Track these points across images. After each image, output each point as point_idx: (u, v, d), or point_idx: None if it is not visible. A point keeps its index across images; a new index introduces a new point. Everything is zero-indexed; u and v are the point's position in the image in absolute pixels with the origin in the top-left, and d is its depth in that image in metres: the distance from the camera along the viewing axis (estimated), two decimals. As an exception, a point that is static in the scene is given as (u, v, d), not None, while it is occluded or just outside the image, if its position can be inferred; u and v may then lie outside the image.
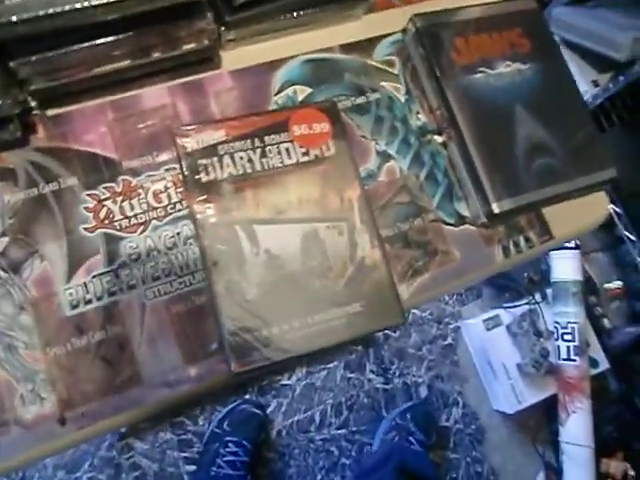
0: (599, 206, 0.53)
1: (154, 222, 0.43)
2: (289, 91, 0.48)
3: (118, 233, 0.42)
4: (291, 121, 0.45)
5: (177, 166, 0.44)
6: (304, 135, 0.45)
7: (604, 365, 1.22)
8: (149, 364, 0.40)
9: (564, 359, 1.13)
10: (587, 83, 1.08)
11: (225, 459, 0.99)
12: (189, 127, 0.43)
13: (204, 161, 0.43)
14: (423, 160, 0.49)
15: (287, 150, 0.44)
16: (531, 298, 1.21)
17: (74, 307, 0.40)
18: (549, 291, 1.21)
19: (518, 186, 0.47)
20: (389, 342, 1.23)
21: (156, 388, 0.40)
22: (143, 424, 1.07)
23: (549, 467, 1.20)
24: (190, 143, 0.43)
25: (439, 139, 0.50)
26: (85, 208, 0.42)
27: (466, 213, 0.48)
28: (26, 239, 0.41)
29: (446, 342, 1.26)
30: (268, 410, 1.13)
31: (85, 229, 0.42)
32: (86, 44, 0.38)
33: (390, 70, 0.51)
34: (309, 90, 0.49)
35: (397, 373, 1.22)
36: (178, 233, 0.43)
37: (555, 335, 1.15)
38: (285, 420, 1.14)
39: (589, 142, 0.50)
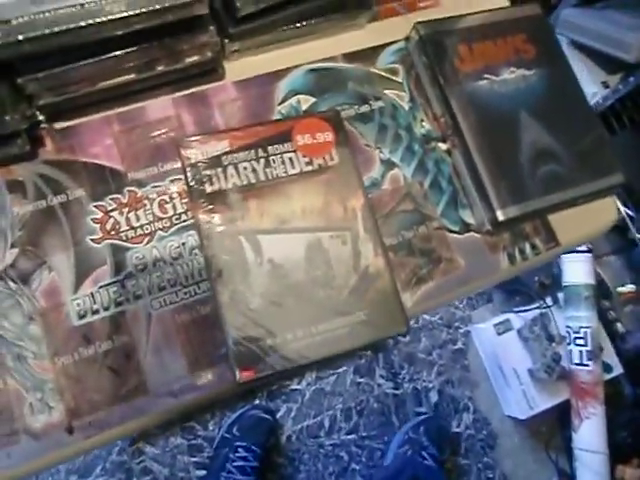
0: (607, 211, 0.52)
1: (160, 233, 0.43)
2: (293, 101, 0.49)
3: (124, 244, 0.43)
4: (294, 131, 0.45)
5: (182, 177, 0.44)
6: (307, 145, 0.45)
7: (618, 370, 1.20)
8: (155, 373, 0.41)
9: (577, 364, 1.12)
10: (597, 84, 1.07)
11: (235, 464, 1.00)
12: (193, 138, 0.44)
13: (208, 172, 0.43)
14: (427, 168, 0.49)
15: (291, 160, 0.45)
16: (542, 302, 1.19)
17: (81, 317, 0.41)
18: (560, 295, 1.19)
19: (523, 193, 0.46)
20: (399, 347, 1.23)
21: (162, 397, 0.41)
22: (154, 429, 1.08)
23: (562, 474, 1.19)
24: (194, 154, 0.43)
25: (443, 146, 0.50)
26: (92, 219, 0.43)
27: (471, 220, 0.48)
28: (35, 250, 0.42)
29: (456, 347, 1.25)
30: (278, 415, 1.13)
31: (92, 240, 0.43)
32: (91, 60, 0.38)
33: (394, 78, 0.51)
34: (313, 99, 0.49)
35: (407, 378, 1.21)
36: (183, 243, 0.44)
37: (567, 340, 1.14)
38: (295, 425, 1.14)
39: (596, 147, 0.49)
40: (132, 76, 0.42)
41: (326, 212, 0.44)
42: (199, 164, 0.43)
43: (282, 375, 0.41)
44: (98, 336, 0.41)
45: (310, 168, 0.45)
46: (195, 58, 0.42)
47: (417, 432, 1.08)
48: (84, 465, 1.04)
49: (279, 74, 0.49)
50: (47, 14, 0.32)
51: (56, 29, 0.32)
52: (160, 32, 0.38)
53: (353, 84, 0.50)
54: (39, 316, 0.41)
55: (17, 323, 0.40)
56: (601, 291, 1.23)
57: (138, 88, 0.44)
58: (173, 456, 1.09)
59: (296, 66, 0.49)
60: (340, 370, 1.19)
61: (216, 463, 1.02)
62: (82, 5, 0.33)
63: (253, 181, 0.44)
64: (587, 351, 1.11)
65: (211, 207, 0.42)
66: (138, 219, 0.44)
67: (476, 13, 0.51)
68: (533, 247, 0.49)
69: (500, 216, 0.45)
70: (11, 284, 0.41)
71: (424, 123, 0.50)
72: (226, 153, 0.44)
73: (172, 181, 0.45)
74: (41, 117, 0.41)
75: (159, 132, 0.46)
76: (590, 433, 1.09)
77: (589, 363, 1.10)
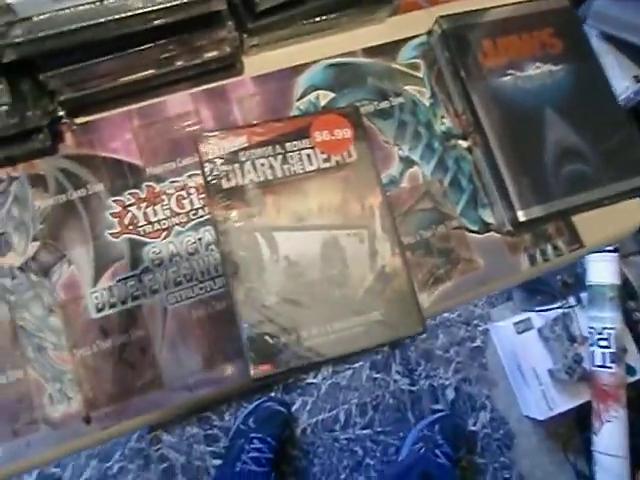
0: (635, 212, 0.51)
1: (177, 228, 0.44)
2: (312, 96, 0.48)
3: (142, 238, 0.43)
4: (313, 127, 0.45)
5: (200, 172, 0.44)
6: (326, 141, 0.45)
7: (642, 373, 1.17)
8: (170, 367, 0.41)
9: (599, 366, 1.09)
10: (629, 79, 1.03)
11: (250, 455, 1.01)
12: (211, 134, 0.44)
13: (226, 167, 0.43)
14: (447, 165, 0.48)
15: (308, 156, 0.44)
16: (565, 302, 1.17)
17: (99, 310, 0.42)
18: (584, 295, 1.16)
19: (546, 193, 0.45)
20: (416, 343, 1.22)
21: (176, 391, 0.41)
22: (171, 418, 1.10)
23: (581, 476, 1.17)
24: (212, 150, 0.43)
25: (464, 144, 0.49)
26: (111, 214, 0.43)
27: (491, 220, 0.47)
28: (55, 244, 0.42)
29: (474, 344, 1.24)
30: (293, 408, 1.14)
31: (111, 234, 0.43)
32: (112, 55, 0.38)
33: (415, 74, 0.50)
34: (332, 95, 0.48)
35: (423, 375, 1.20)
36: (200, 239, 0.44)
37: (590, 341, 1.11)
38: (310, 418, 1.15)
39: (624, 146, 0.47)
40: (151, 71, 0.42)
41: (343, 210, 0.44)
42: (216, 160, 0.43)
43: (296, 372, 0.41)
44: (115, 329, 0.41)
45: (328, 165, 0.44)
46: (214, 53, 0.42)
47: (432, 430, 1.08)
48: (104, 451, 1.07)
49: (298, 69, 0.48)
50: (67, 11, 0.32)
51: (76, 26, 0.33)
52: (179, 28, 0.38)
53: (373, 79, 0.49)
54: (59, 308, 0.41)
55: (38, 315, 0.41)
56: (627, 291, 1.20)
57: (157, 83, 0.44)
58: (189, 445, 1.10)
59: (315, 61, 0.49)
60: (356, 365, 1.19)
61: (231, 453, 1.04)
62: (102, 1, 0.33)
63: (270, 177, 0.43)
64: (610, 353, 1.08)
65: (228, 203, 0.42)
66: (156, 214, 0.44)
67: (501, 6, 0.50)
68: (555, 248, 0.48)
69: (521, 217, 0.44)
70: (32, 276, 0.42)
71: (445, 120, 0.49)
72: (244, 149, 0.44)
73: (190, 176, 0.45)
74: (62, 112, 0.41)
75: (178, 127, 0.46)
76: (611, 437, 1.06)
77: (612, 365, 1.08)
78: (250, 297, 0.41)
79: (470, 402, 1.20)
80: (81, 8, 0.33)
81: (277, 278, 0.42)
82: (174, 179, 0.45)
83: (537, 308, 1.20)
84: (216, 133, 0.44)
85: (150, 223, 0.44)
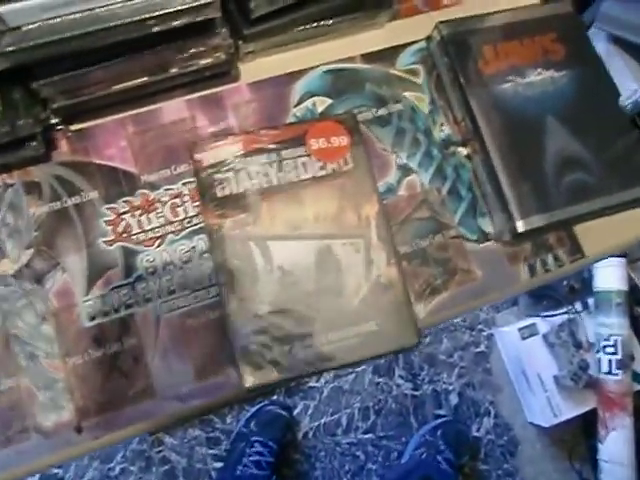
0: (638, 221, 0.49)
1: (171, 236, 0.43)
2: (309, 103, 0.47)
3: (136, 247, 0.43)
4: (309, 135, 0.44)
5: (194, 180, 0.44)
6: (322, 149, 0.44)
7: (649, 380, 1.15)
8: (162, 377, 0.41)
9: (605, 373, 1.08)
10: (638, 81, 1.01)
11: (251, 458, 1.01)
12: (206, 141, 0.43)
13: (220, 175, 0.43)
14: (446, 173, 0.47)
15: (304, 164, 0.44)
16: (571, 307, 1.15)
17: (92, 318, 0.41)
18: (591, 300, 1.15)
19: (546, 203, 0.44)
20: (419, 347, 1.21)
21: (168, 401, 0.41)
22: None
23: (586, 484, 1.15)
24: (206, 157, 0.43)
25: (463, 151, 0.48)
26: (105, 221, 0.43)
27: (490, 229, 0.46)
28: (49, 251, 0.42)
29: (479, 349, 1.23)
30: (295, 412, 1.13)
31: (104, 242, 0.43)
32: (104, 64, 0.38)
33: (414, 80, 0.49)
34: (329, 101, 0.48)
35: (427, 379, 1.19)
36: (194, 247, 0.43)
37: (596, 347, 1.10)
38: (312, 422, 1.14)
39: (627, 155, 0.46)
40: (145, 79, 0.42)
41: (339, 219, 0.43)
42: (211, 167, 0.43)
43: (289, 382, 0.41)
44: (108, 338, 0.41)
45: (324, 173, 0.44)
46: (208, 60, 0.42)
47: (434, 435, 1.07)
48: (105, 452, 1.07)
49: (295, 75, 0.48)
50: (57, 20, 0.32)
51: (67, 35, 0.32)
52: (172, 35, 0.38)
53: (371, 86, 0.48)
54: (52, 316, 0.41)
55: (30, 323, 0.41)
56: (634, 297, 1.18)
57: (152, 90, 0.43)
58: (191, 447, 1.10)
59: (313, 67, 0.48)
60: (359, 369, 1.18)
61: (233, 456, 1.03)
62: (91, 10, 0.32)
63: (265, 186, 0.43)
64: (617, 360, 1.07)
65: (222, 211, 0.42)
66: (150, 222, 0.44)
67: (502, 11, 0.49)
68: (556, 259, 0.47)
69: (520, 227, 0.43)
70: (26, 284, 0.42)
71: (444, 127, 0.48)
72: (239, 157, 0.43)
73: (184, 184, 0.45)
74: (55, 120, 0.41)
75: (173, 134, 0.45)
76: (617, 445, 1.05)
77: (618, 372, 1.06)
78: (243, 307, 0.41)
79: (474, 408, 1.19)
80: (71, 17, 0.32)
81: (271, 288, 0.41)
82: (169, 187, 0.44)
83: (543, 313, 1.18)
84: (211, 141, 0.44)
85: (144, 231, 0.43)
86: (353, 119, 0.46)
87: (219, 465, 1.09)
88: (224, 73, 0.45)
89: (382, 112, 0.48)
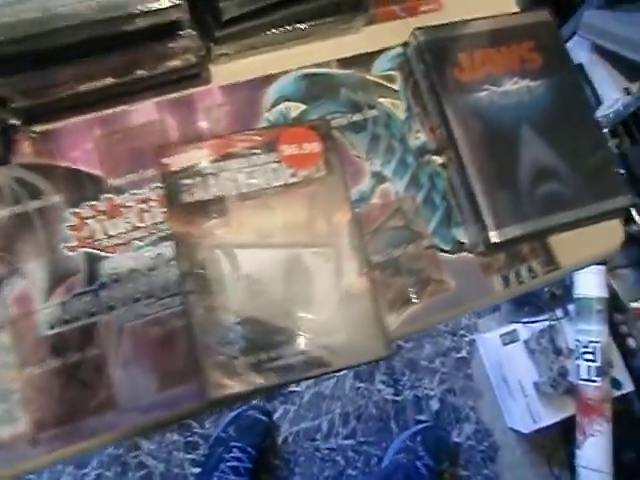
0: (613, 233, 0.49)
1: (136, 242, 0.42)
2: (282, 107, 0.46)
3: (100, 253, 0.42)
4: (280, 140, 0.43)
5: (162, 184, 0.43)
6: (293, 155, 0.43)
7: (628, 387, 1.15)
8: (124, 388, 0.40)
9: (584, 379, 1.08)
10: (619, 91, 1.02)
11: (229, 464, 1.00)
12: (174, 145, 0.42)
13: (188, 181, 0.42)
14: (420, 182, 0.47)
15: (275, 171, 0.43)
16: (552, 314, 1.16)
17: (52, 327, 0.40)
18: (572, 307, 1.15)
19: (521, 213, 0.44)
20: (401, 353, 1.20)
21: (130, 413, 0.39)
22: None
23: (564, 490, 1.16)
24: (174, 162, 0.42)
25: (439, 160, 0.47)
26: (68, 226, 0.42)
27: (464, 240, 0.46)
28: (8, 257, 0.41)
29: (460, 355, 1.23)
30: (275, 416, 1.12)
31: (67, 248, 0.41)
32: (66, 63, 0.37)
33: (390, 86, 0.49)
34: (303, 107, 0.47)
35: (408, 385, 1.19)
36: (160, 254, 0.42)
37: (575, 354, 1.10)
38: (292, 427, 1.13)
39: (602, 166, 0.46)
40: (111, 80, 0.40)
41: (309, 227, 0.42)
42: (178, 172, 0.42)
43: (255, 394, 0.40)
44: (68, 347, 0.40)
45: (295, 180, 0.43)
46: (177, 62, 0.40)
47: (414, 441, 1.06)
48: (80, 457, 1.05)
49: (268, 79, 0.47)
50: (11, 18, 0.31)
51: (21, 33, 0.31)
52: (137, 36, 0.36)
53: (346, 91, 0.48)
54: (9, 324, 0.40)
55: (-13, 331, 0.39)
56: (615, 305, 1.18)
57: (119, 92, 0.42)
58: (169, 452, 1.09)
59: (287, 71, 0.47)
60: (340, 374, 1.17)
61: (210, 462, 1.02)
62: (47, 9, 0.31)
63: (234, 192, 0.42)
64: (596, 367, 1.07)
65: (188, 218, 0.41)
66: (115, 227, 0.42)
67: (481, 19, 0.48)
68: (530, 270, 0.46)
69: (493, 237, 0.43)
70: (-17, 290, 0.40)
71: (419, 134, 0.48)
72: (207, 162, 0.42)
73: (152, 189, 0.43)
74: (15, 121, 0.39)
75: (141, 137, 0.44)
76: (594, 451, 1.05)
77: (597, 379, 1.07)
78: (209, 316, 0.40)
79: (455, 413, 1.19)
80: (27, 15, 0.31)
81: (237, 297, 0.40)
82: (135, 191, 0.43)
83: (524, 320, 1.19)
84: (179, 144, 0.42)
85: (109, 237, 0.42)
86: (326, 125, 0.45)
87: (197, 470, 1.07)
88: (195, 75, 0.44)
89: (357, 118, 0.47)
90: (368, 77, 0.48)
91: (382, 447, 1.14)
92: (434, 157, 0.47)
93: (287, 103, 0.47)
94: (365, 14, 0.47)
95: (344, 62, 0.48)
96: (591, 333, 1.09)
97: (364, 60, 0.49)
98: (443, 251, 0.45)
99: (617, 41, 0.93)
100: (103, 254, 0.42)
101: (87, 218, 0.42)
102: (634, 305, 1.14)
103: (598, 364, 1.07)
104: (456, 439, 1.17)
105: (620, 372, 1.15)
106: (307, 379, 0.40)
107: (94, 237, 0.42)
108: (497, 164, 0.45)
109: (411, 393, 1.18)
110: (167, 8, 0.34)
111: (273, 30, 0.45)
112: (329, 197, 0.43)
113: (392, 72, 0.49)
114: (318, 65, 0.48)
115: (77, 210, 0.42)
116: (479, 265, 0.46)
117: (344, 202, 0.43)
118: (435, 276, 0.45)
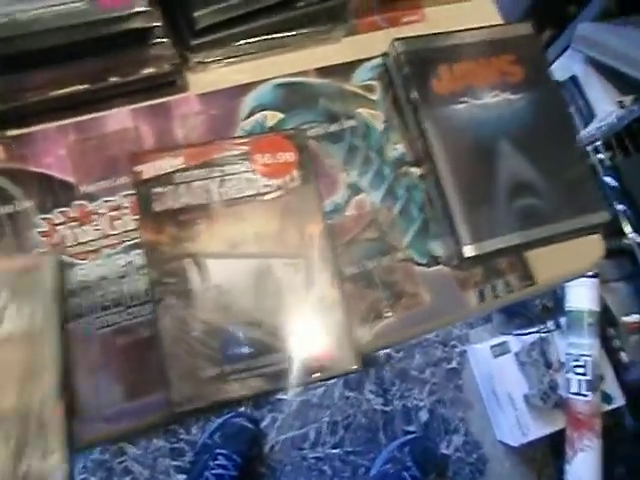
0: (593, 248, 0.49)
1: (107, 250, 0.42)
2: (259, 116, 0.46)
3: (70, 259, 0.41)
4: (254, 149, 0.43)
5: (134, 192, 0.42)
6: (267, 165, 0.43)
7: (619, 401, 1.14)
8: (89, 396, 0.39)
9: (574, 393, 1.07)
10: (613, 103, 1.02)
11: (214, 472, 0.99)
12: (146, 153, 0.42)
13: (159, 189, 0.41)
14: (397, 194, 0.46)
15: (248, 180, 0.43)
16: (543, 326, 1.15)
17: (18, 334, 0.39)
18: (563, 320, 1.15)
19: (496, 228, 0.43)
20: (391, 362, 1.20)
21: (94, 422, 0.39)
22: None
23: (554, 505, 1.14)
24: (146, 170, 0.42)
25: (417, 172, 0.47)
26: (39, 232, 0.41)
27: (440, 253, 0.45)
28: (-23, 262, 0.40)
29: (451, 366, 1.22)
30: (262, 424, 1.11)
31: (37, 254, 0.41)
32: (38, 68, 0.37)
33: (369, 96, 0.48)
34: (280, 116, 0.47)
35: (397, 395, 1.18)
36: (130, 262, 0.42)
37: (566, 367, 1.09)
38: (279, 435, 1.12)
39: (580, 182, 0.46)
40: (85, 86, 0.40)
41: (281, 237, 0.42)
42: (150, 181, 0.41)
43: (222, 407, 0.39)
44: (33, 355, 0.39)
45: (268, 190, 0.43)
46: (150, 70, 0.40)
47: (402, 451, 1.05)
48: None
49: (246, 88, 0.47)
50: (-25, 23, 0.31)
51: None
52: (108, 43, 0.36)
53: (325, 101, 0.47)
54: (-25, 330, 0.39)
55: (-48, 336, 0.39)
56: (607, 318, 1.18)
57: (93, 98, 0.42)
58: (154, 458, 1.08)
59: (265, 80, 0.47)
60: (329, 382, 1.16)
61: (195, 469, 1.01)
62: (11, 15, 0.31)
63: (205, 201, 0.42)
64: (586, 381, 1.06)
65: (159, 227, 0.41)
66: (86, 234, 0.42)
67: (461, 31, 0.48)
68: (507, 284, 0.46)
69: (468, 252, 0.42)
70: (-50, 296, 0.40)
71: (397, 146, 0.47)
72: (180, 170, 0.42)
73: (125, 196, 0.43)
74: (-15, 126, 0.39)
75: (115, 144, 0.44)
76: (584, 466, 1.04)
77: (587, 393, 1.06)
78: (176, 326, 0.39)
79: (444, 425, 1.18)
80: (-7, 21, 0.31)
81: (207, 307, 0.40)
82: (108, 198, 0.43)
83: (515, 332, 1.18)
84: (152, 152, 0.42)
85: (79, 244, 0.42)
86: (302, 135, 0.44)
87: (182, 477, 1.07)
88: (170, 83, 0.43)
89: (334, 128, 0.47)
90: (347, 87, 0.48)
91: (370, 457, 1.13)
92: (412, 169, 0.47)
93: (265, 112, 0.46)
94: (344, 25, 0.47)
95: (323, 71, 0.48)
96: (582, 346, 1.08)
97: (343, 70, 0.48)
98: (419, 264, 0.45)
99: (611, 54, 0.93)
100: (73, 261, 0.41)
101: (58, 224, 0.42)
102: (626, 319, 1.13)
103: (589, 378, 1.06)
104: (445, 451, 1.16)
105: (611, 386, 1.14)
106: (277, 392, 0.40)
107: (65, 244, 0.41)
108: (475, 177, 0.44)
109: (400, 403, 1.17)
110: (133, 15, 0.34)
111: (250, 39, 0.44)
112: (302, 208, 0.43)
113: (372, 82, 0.49)
114: (296, 74, 0.47)
115: (48, 216, 0.42)
116: (455, 279, 0.45)
117: (317, 213, 0.43)
118: (409, 289, 0.44)
